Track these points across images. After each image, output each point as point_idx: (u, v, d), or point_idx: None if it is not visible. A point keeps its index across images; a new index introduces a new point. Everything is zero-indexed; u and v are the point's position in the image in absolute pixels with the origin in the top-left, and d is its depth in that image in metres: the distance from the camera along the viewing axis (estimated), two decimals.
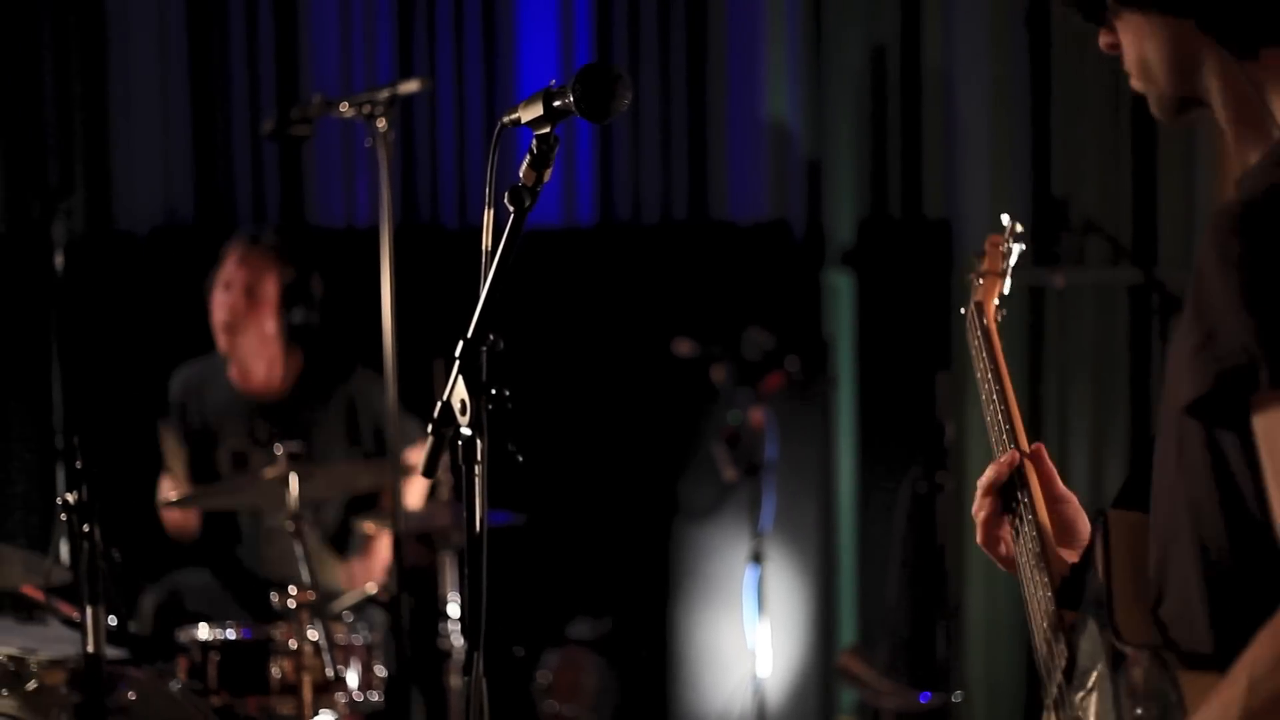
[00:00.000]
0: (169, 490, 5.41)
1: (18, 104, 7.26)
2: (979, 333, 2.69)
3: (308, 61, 7.07)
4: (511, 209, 2.36)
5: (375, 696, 4.77)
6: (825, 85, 6.43)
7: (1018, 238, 2.78)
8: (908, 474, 5.49)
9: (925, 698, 5.46)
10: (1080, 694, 2.12)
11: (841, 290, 6.39)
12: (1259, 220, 1.85)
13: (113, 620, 4.60)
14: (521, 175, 2.39)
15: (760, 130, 6.58)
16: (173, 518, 5.52)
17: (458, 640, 4.99)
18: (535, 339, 6.27)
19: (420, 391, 4.70)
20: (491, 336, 2.32)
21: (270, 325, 5.48)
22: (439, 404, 2.34)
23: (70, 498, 3.86)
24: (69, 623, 4.73)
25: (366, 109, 4.34)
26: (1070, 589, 2.22)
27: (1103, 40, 2.16)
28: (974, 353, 2.69)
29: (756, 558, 5.75)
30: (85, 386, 6.45)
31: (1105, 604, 2.07)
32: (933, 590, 5.48)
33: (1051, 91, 6.00)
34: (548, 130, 2.38)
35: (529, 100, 2.39)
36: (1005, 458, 2.44)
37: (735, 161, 6.63)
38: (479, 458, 2.31)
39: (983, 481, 2.44)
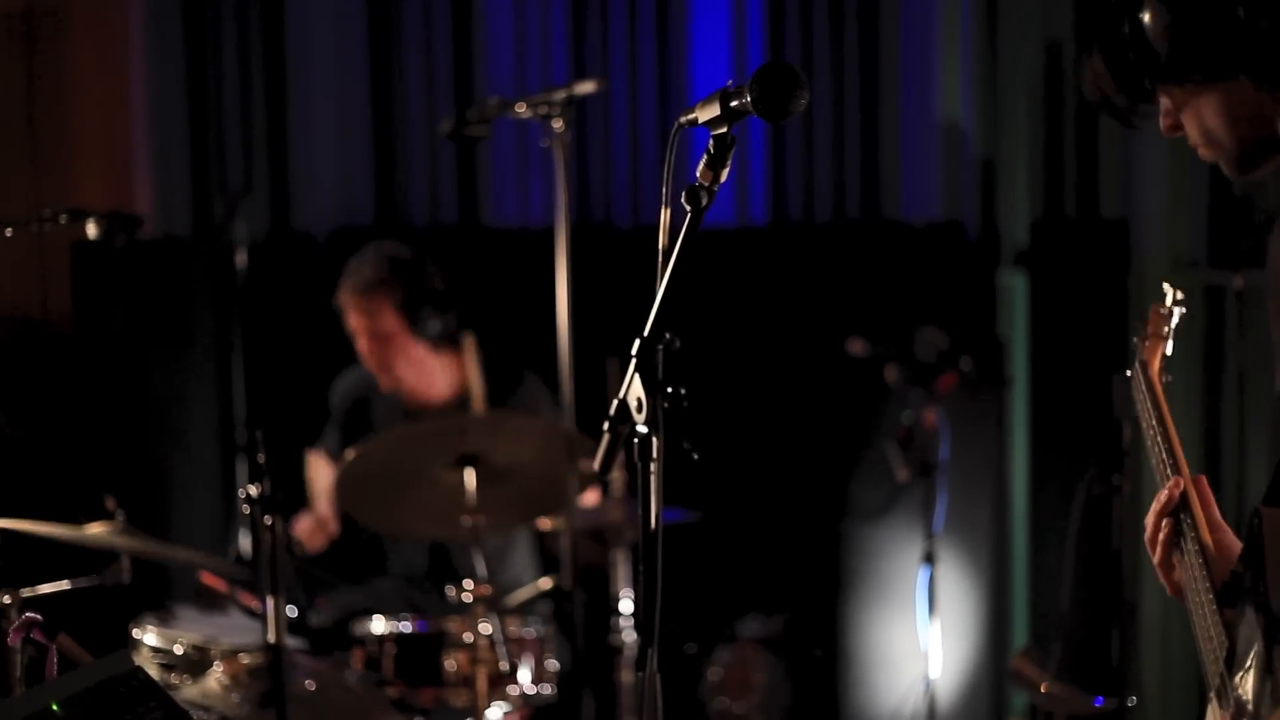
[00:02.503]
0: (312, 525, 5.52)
1: (201, 107, 7.40)
2: (1145, 390, 2.81)
3: (483, 63, 7.14)
4: (688, 208, 2.37)
5: (547, 690, 4.81)
6: (999, 83, 6.39)
7: (1179, 303, 2.90)
8: (1083, 476, 5.43)
9: (1099, 702, 5.41)
10: (1239, 675, 2.21)
11: (1016, 291, 6.35)
12: None
13: (292, 611, 4.69)
14: (698, 175, 2.39)
15: (933, 129, 6.55)
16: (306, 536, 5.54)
17: (629, 636, 5.01)
18: (709, 338, 6.28)
19: (595, 390, 4.74)
20: (667, 335, 2.33)
21: (413, 349, 5.46)
22: (615, 402, 2.35)
23: (252, 491, 3.93)
24: (250, 613, 4.82)
25: (543, 110, 4.36)
26: (1231, 591, 2.30)
27: (1163, 124, 2.29)
28: (1140, 409, 2.82)
29: (928, 558, 5.72)
30: (266, 384, 6.57)
31: (1262, 590, 2.15)
32: (1107, 593, 5.42)
33: None
34: (724, 130, 2.38)
35: (706, 100, 2.39)
36: (1171, 483, 2.55)
37: (908, 161, 6.60)
38: (654, 456, 2.32)
39: (1155, 509, 2.56)
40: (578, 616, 4.48)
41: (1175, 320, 2.89)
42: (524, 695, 4.75)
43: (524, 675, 4.73)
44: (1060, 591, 5.72)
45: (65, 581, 4.63)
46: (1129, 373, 2.87)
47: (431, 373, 5.52)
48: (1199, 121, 2.23)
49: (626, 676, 5.01)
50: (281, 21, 7.33)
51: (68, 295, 7.20)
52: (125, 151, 7.49)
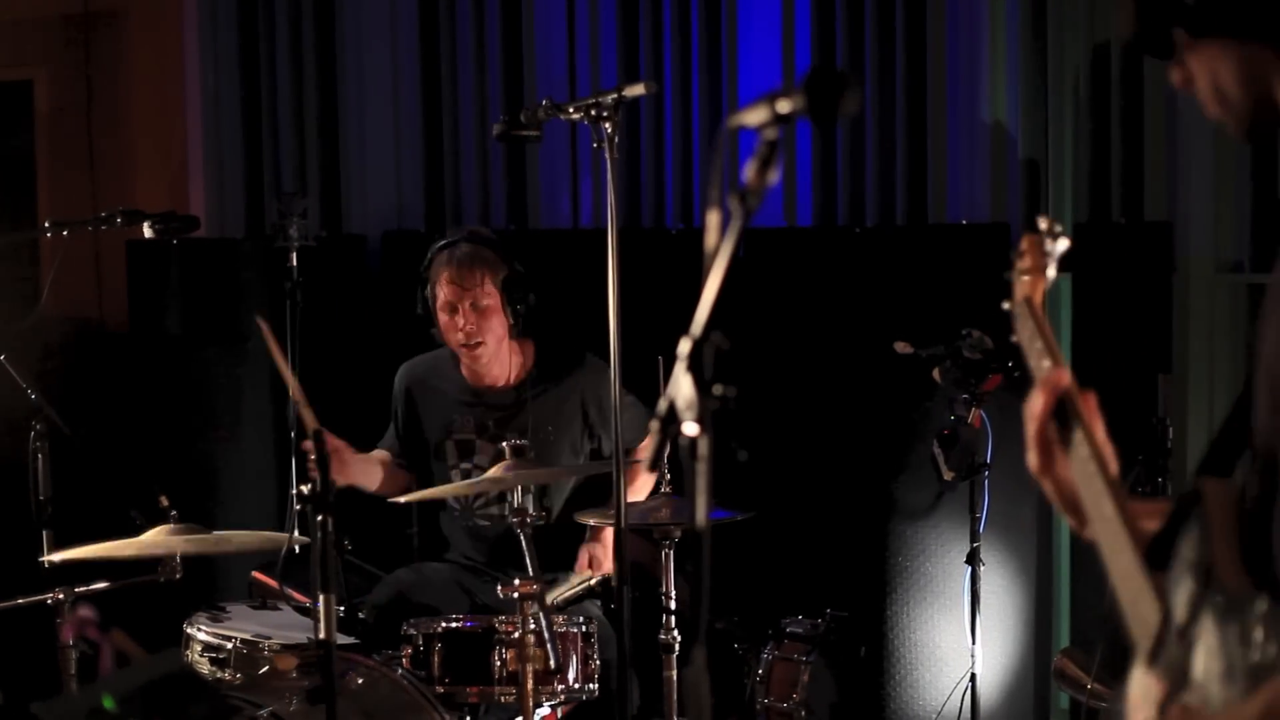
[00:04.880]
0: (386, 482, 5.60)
1: (255, 110, 7.47)
2: (1032, 326, 2.73)
3: (534, 66, 7.19)
4: (736, 211, 2.37)
5: (593, 687, 4.85)
6: (1046, 86, 6.39)
7: (1057, 235, 2.77)
8: (1128, 476, 5.44)
9: None
10: (1175, 648, 2.18)
11: (1061, 292, 6.35)
12: None
13: (341, 609, 4.73)
14: (746, 178, 2.39)
15: (980, 132, 6.56)
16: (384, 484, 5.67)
17: (676, 633, 5.04)
18: (757, 339, 6.32)
19: (645, 390, 4.78)
20: (716, 335, 2.33)
21: (502, 329, 5.58)
22: (664, 401, 2.36)
23: (304, 489, 3.97)
24: (301, 610, 4.88)
25: (593, 112, 4.39)
26: (1156, 552, 2.29)
27: (1175, 78, 2.26)
28: (1026, 344, 2.75)
29: (973, 558, 5.74)
30: (318, 384, 6.62)
31: (1209, 565, 2.15)
32: None
33: None
34: (773, 133, 2.38)
35: (754, 103, 2.37)
36: (1053, 372, 2.54)
37: (955, 163, 6.62)
38: (702, 455, 2.31)
39: (1035, 394, 2.54)
40: (625, 613, 4.51)
41: (1059, 250, 2.79)
42: (570, 692, 4.79)
43: (571, 672, 4.77)
44: (1104, 591, 5.72)
45: (119, 578, 4.70)
46: (1006, 305, 2.79)
47: (506, 356, 5.63)
48: (1213, 79, 2.21)
49: (673, 673, 5.04)
50: (334, 25, 7.40)
51: (123, 295, 7.28)
52: (180, 153, 7.58)
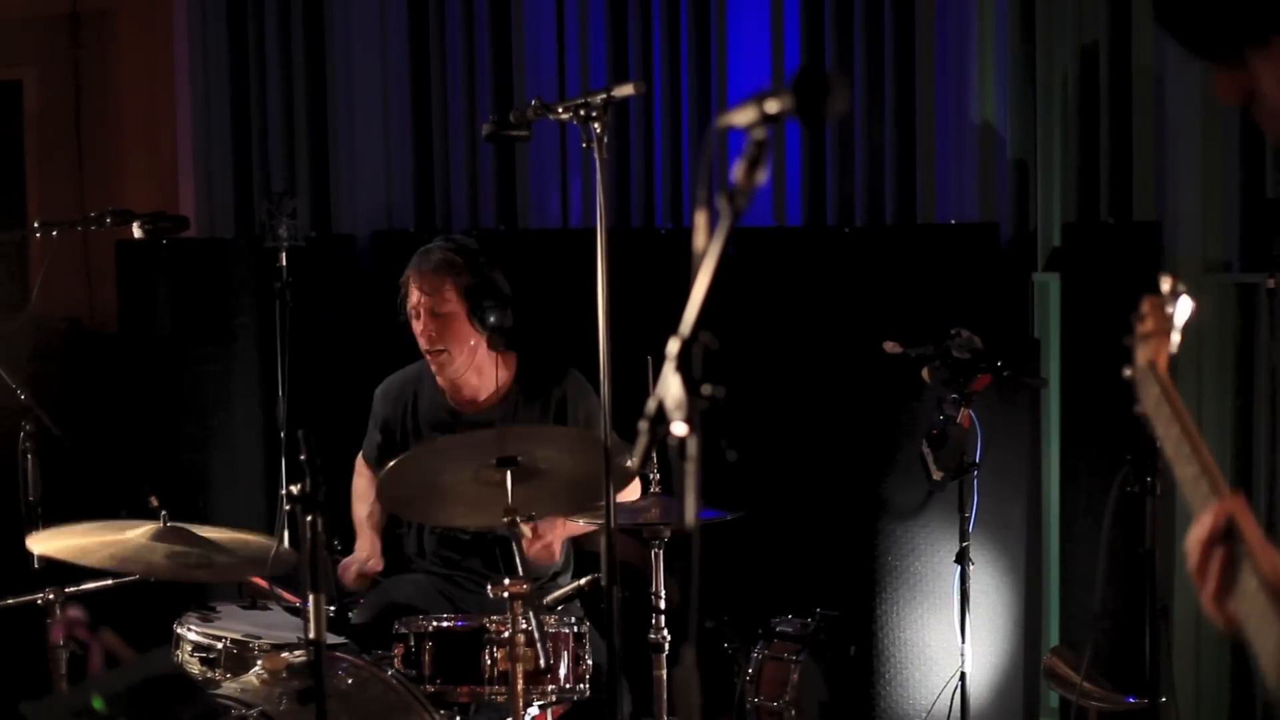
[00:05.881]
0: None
1: (244, 110, 7.47)
2: (1159, 394, 2.57)
3: (523, 66, 7.19)
4: (724, 211, 2.36)
5: (583, 686, 4.85)
6: (1034, 87, 6.41)
7: (1179, 294, 2.69)
8: (1116, 475, 5.44)
9: (1130, 700, 5.43)
10: None
11: (1050, 292, 6.37)
12: None
13: (331, 609, 4.73)
14: (734, 178, 2.38)
15: (969, 132, 6.57)
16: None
17: (666, 633, 5.04)
18: (747, 339, 6.32)
19: (633, 390, 4.77)
20: (705, 335, 2.32)
21: (470, 336, 5.55)
22: (652, 401, 2.36)
23: (294, 489, 3.98)
24: (291, 610, 4.88)
25: (582, 112, 4.39)
26: None
27: (1225, 90, 2.15)
28: (1154, 414, 2.59)
29: (963, 557, 5.74)
30: (307, 383, 6.62)
31: None
32: (1139, 591, 5.43)
33: None
34: (761, 134, 2.36)
35: (743, 103, 2.37)
36: (1217, 507, 2.33)
37: (944, 163, 6.63)
38: (691, 455, 2.31)
39: (1199, 535, 2.33)
40: (615, 614, 4.50)
41: (1184, 314, 2.65)
42: (561, 692, 4.79)
43: (561, 672, 4.77)
44: (1093, 590, 5.73)
45: (108, 578, 4.70)
46: (1128, 372, 2.66)
47: (482, 365, 5.61)
48: None
49: (663, 673, 5.03)
50: (324, 25, 7.41)
51: (113, 295, 7.28)
52: (170, 153, 7.58)
